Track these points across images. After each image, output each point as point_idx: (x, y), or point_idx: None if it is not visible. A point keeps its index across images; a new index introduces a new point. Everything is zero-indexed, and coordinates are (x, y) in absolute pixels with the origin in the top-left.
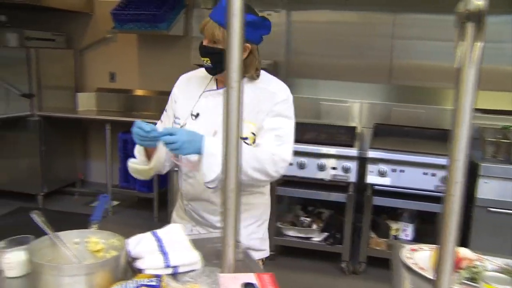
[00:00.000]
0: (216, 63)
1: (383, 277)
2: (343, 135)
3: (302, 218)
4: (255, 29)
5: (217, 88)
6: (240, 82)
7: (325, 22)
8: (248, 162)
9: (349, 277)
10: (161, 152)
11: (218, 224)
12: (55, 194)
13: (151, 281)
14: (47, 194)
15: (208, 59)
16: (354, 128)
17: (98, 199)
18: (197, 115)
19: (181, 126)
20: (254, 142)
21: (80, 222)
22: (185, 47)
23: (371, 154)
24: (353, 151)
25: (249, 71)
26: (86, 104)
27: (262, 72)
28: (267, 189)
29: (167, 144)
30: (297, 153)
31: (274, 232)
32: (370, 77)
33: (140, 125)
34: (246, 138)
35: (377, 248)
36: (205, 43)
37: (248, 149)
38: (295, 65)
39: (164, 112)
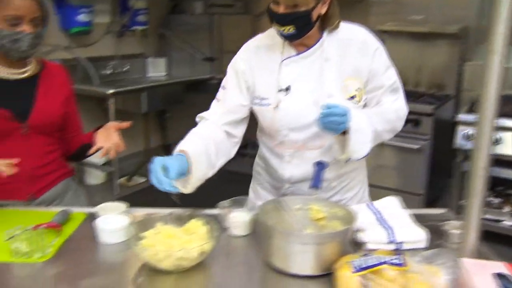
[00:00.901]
0: (301, 27)
1: None
2: None
3: (490, 198)
4: None
5: (298, 53)
6: (506, 47)
7: None
8: (383, 127)
9: None
10: (199, 174)
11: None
12: None
13: (394, 258)
14: None
15: (291, 26)
16: None
17: (314, 166)
18: (287, 88)
19: (274, 107)
20: (361, 99)
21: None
22: (363, 12)
23: None
24: None
25: (332, 22)
26: None
27: None
28: None
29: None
30: None
31: (457, 211)
32: None
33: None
34: (353, 97)
35: None
36: (281, 10)
37: (376, 114)
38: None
39: (222, 90)
